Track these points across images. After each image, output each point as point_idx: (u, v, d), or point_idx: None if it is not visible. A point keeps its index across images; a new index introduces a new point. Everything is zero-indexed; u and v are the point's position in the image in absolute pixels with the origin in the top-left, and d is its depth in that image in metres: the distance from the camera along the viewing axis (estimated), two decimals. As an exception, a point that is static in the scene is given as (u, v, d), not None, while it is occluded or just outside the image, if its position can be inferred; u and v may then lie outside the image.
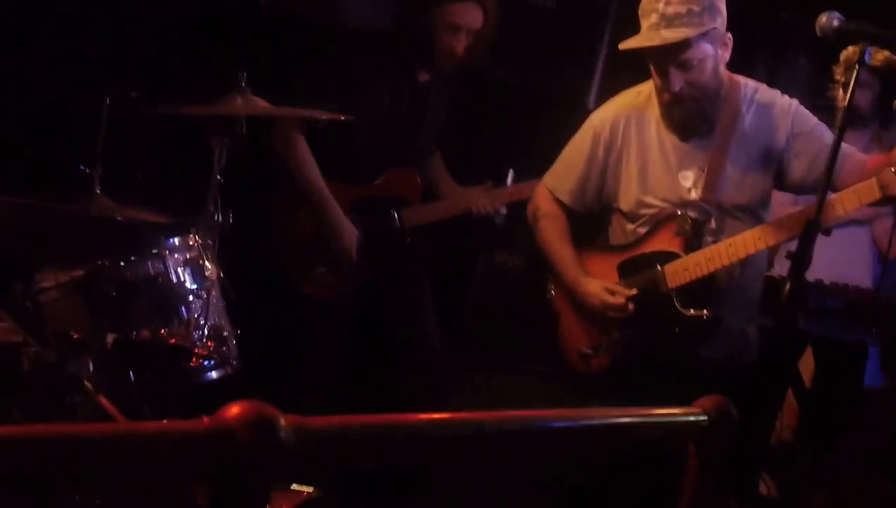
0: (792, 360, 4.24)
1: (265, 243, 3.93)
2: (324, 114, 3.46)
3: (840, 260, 4.12)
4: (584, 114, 3.52)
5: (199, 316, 3.00)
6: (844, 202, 2.92)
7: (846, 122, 2.73)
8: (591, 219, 3.46)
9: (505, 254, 4.77)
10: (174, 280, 3.00)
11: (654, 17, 2.99)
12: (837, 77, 4.34)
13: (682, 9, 2.96)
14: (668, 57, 3.02)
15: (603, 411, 1.75)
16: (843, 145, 3.11)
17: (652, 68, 3.13)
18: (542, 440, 1.64)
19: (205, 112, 3.27)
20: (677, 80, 3.05)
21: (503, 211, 4.25)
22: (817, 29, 2.76)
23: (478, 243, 4.67)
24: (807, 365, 4.38)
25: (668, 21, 2.97)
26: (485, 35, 3.88)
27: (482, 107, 4.78)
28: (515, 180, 4.36)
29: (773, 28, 5.63)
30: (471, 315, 4.74)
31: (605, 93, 4.27)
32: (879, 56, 4.25)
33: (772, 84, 3.35)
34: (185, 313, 3.00)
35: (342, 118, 3.44)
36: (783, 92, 3.30)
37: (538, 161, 3.72)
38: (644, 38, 3.02)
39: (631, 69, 3.32)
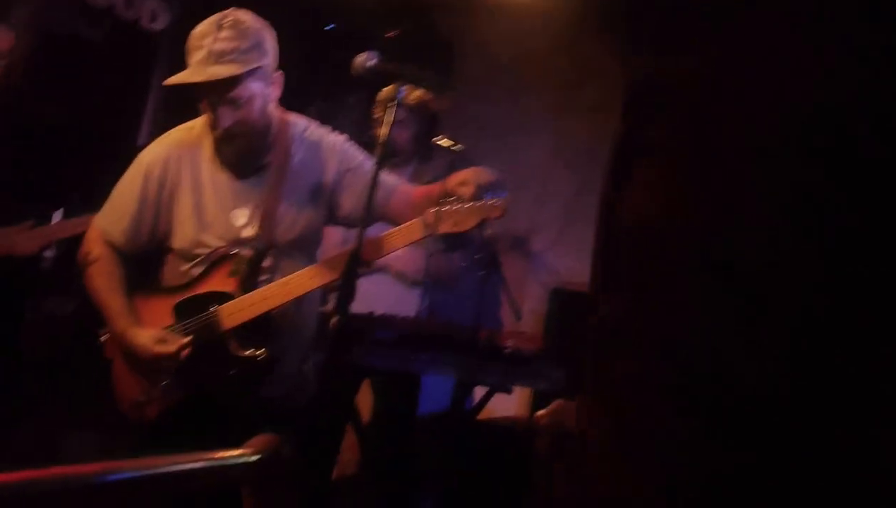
0: (349, 394, 4.33)
1: None
2: None
3: (391, 292, 4.29)
4: (134, 151, 3.40)
5: None
6: (393, 241, 3.03)
7: (385, 158, 2.83)
8: (148, 259, 3.33)
9: (56, 299, 4.51)
10: None
11: (201, 53, 2.95)
12: (376, 115, 4.51)
13: (230, 45, 2.94)
14: (217, 93, 2.98)
15: (148, 461, 1.66)
16: (390, 178, 3.24)
17: (202, 105, 3.08)
18: (88, 494, 1.53)
19: None
20: (226, 117, 3.01)
21: (50, 252, 4.01)
22: (353, 69, 2.85)
23: (24, 288, 4.37)
24: (365, 397, 4.49)
25: (216, 57, 2.93)
26: (17, 61, 3.62)
27: (23, 142, 4.49)
28: (65, 218, 4.13)
29: (324, 65, 5.81)
30: (24, 368, 4.44)
31: (157, 130, 4.16)
32: (413, 95, 4.48)
33: (324, 121, 3.42)
34: None
35: None
36: (335, 129, 3.37)
37: (89, 199, 3.55)
38: (191, 74, 2.96)
39: (183, 105, 3.25)
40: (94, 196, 3.43)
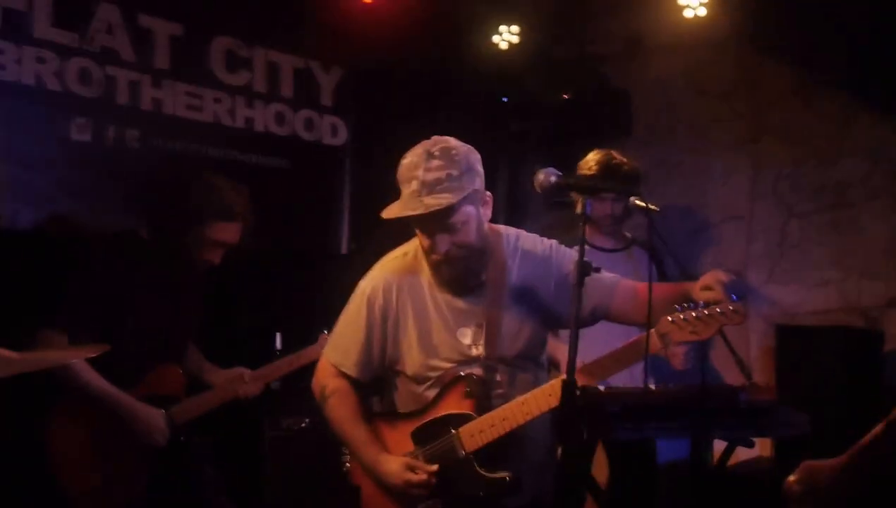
0: (585, 466, 4.24)
1: (38, 469, 3.69)
2: (81, 353, 3.27)
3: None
4: (339, 260, 3.46)
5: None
6: (624, 359, 2.96)
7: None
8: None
9: (291, 417, 4.67)
10: None
11: (414, 185, 2.98)
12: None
13: (442, 174, 2.96)
14: (434, 222, 3.01)
15: None
16: (608, 276, 3.16)
17: (418, 231, 3.12)
18: None
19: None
20: (444, 243, 3.05)
21: (275, 385, 4.18)
22: (536, 186, 2.82)
23: (258, 412, 4.55)
24: (599, 466, 4.40)
25: (430, 187, 2.96)
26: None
27: (235, 283, 4.69)
28: (287, 343, 4.29)
29: (503, 136, 5.83)
30: (268, 487, 4.61)
31: (356, 236, 4.21)
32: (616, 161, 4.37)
33: (511, 187, 3.37)
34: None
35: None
36: (522, 196, 3.31)
37: (310, 317, 3.62)
38: (407, 207, 2.98)
39: (376, 206, 3.24)
40: (315, 316, 3.51)
